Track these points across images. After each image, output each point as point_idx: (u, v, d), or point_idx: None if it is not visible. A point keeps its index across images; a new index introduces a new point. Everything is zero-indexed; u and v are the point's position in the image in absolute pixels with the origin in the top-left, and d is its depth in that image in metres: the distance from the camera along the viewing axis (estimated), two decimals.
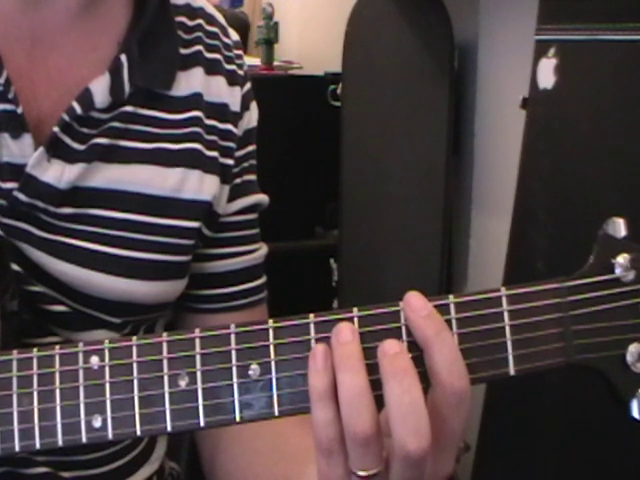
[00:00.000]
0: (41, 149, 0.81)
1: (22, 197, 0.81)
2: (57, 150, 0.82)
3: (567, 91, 1.63)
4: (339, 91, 2.62)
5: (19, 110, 0.80)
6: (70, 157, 0.83)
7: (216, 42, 0.95)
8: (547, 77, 1.64)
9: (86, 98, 0.83)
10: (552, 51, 1.63)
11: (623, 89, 1.53)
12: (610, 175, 1.54)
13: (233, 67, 0.96)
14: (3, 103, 0.81)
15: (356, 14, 2.53)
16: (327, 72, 2.80)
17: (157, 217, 0.87)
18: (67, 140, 0.83)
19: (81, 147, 0.83)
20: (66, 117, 0.82)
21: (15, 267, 0.81)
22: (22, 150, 0.81)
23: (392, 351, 0.62)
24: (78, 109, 0.82)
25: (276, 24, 2.98)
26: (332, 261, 2.64)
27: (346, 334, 0.63)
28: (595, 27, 1.55)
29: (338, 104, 2.61)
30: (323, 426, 0.62)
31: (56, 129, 0.82)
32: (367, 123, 2.49)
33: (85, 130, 0.84)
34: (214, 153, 0.92)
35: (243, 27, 3.25)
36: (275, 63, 3.01)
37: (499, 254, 1.76)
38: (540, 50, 1.66)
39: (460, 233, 2.34)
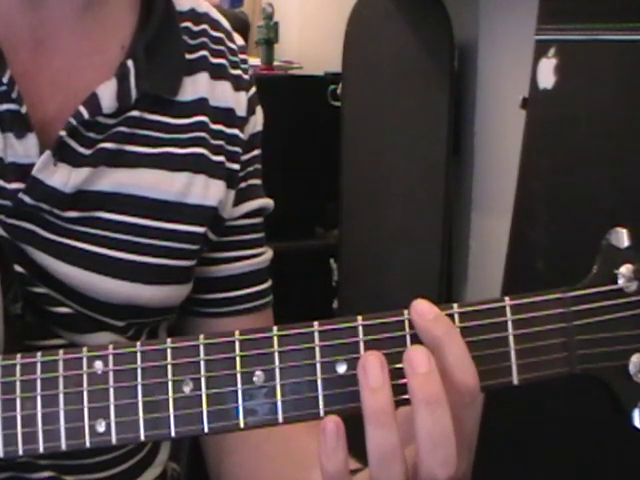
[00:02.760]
0: (47, 153, 0.81)
1: (27, 199, 0.81)
2: (63, 154, 0.82)
3: (567, 91, 1.63)
4: (339, 91, 2.62)
5: (23, 110, 0.80)
6: (76, 161, 0.83)
7: (221, 47, 0.95)
8: (547, 77, 1.65)
9: (93, 103, 0.83)
10: (552, 51, 1.64)
11: (623, 89, 1.54)
12: (610, 175, 1.55)
13: (238, 72, 0.96)
14: (7, 103, 0.81)
15: (356, 14, 2.53)
16: (327, 72, 2.81)
17: (163, 221, 0.87)
18: (73, 144, 0.83)
19: (87, 152, 0.83)
20: (73, 121, 0.82)
21: (19, 269, 0.81)
22: (27, 150, 0.81)
23: (422, 369, 0.60)
24: (85, 114, 0.82)
25: (276, 24, 2.98)
26: (332, 261, 2.64)
27: (376, 376, 0.61)
28: (595, 27, 1.55)
29: (338, 104, 2.62)
30: None
31: (63, 133, 0.81)
32: (367, 123, 2.50)
33: (91, 135, 0.84)
34: (220, 158, 0.92)
35: (243, 27, 3.24)
36: (275, 63, 3.01)
37: (499, 254, 1.77)
38: (540, 50, 1.67)
39: (460, 233, 2.34)
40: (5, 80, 0.80)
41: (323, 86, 2.72)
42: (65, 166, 0.82)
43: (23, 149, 0.81)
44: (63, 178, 0.82)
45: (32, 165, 0.81)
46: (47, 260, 0.83)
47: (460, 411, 0.61)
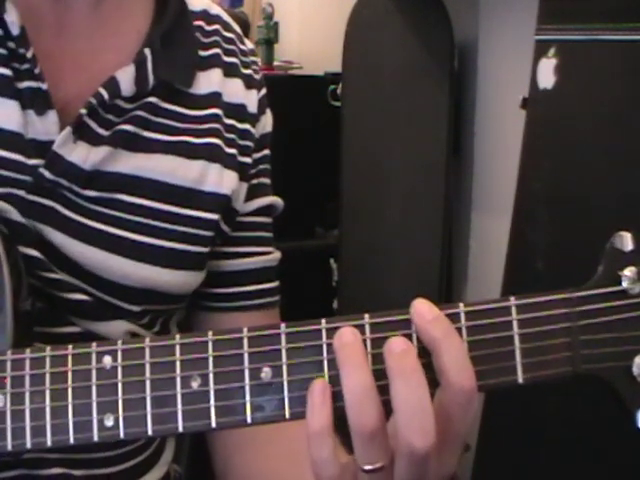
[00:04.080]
0: (68, 129, 0.82)
1: (47, 174, 0.82)
2: (82, 133, 0.84)
3: (567, 91, 1.64)
4: (339, 91, 2.62)
5: (44, 87, 0.82)
6: (95, 141, 0.84)
7: (233, 47, 0.98)
8: (547, 77, 1.65)
9: (112, 85, 0.85)
10: (552, 51, 1.64)
11: (623, 89, 1.54)
12: (610, 175, 1.55)
13: (249, 71, 0.99)
14: (29, 80, 0.82)
15: (356, 14, 2.53)
16: (327, 72, 2.81)
17: (178, 207, 0.89)
18: (93, 125, 0.84)
19: (106, 133, 0.85)
20: (93, 101, 0.84)
21: (34, 252, 0.82)
22: (47, 127, 0.82)
23: (399, 349, 0.62)
24: (105, 94, 0.84)
25: (276, 24, 2.99)
26: (332, 261, 2.64)
27: (348, 336, 0.63)
28: (595, 27, 1.56)
29: (338, 104, 2.62)
30: (321, 464, 0.63)
31: (83, 111, 0.83)
32: (367, 123, 2.50)
33: (110, 117, 0.86)
34: (233, 150, 0.94)
35: (243, 27, 3.24)
36: (275, 63, 3.01)
37: (499, 254, 1.77)
38: (540, 50, 1.67)
39: (460, 233, 2.34)
40: (29, 56, 0.82)
41: (323, 86, 2.72)
42: (84, 144, 0.84)
43: (43, 126, 0.82)
44: (82, 155, 0.83)
45: (52, 142, 0.82)
46: (65, 240, 0.84)
47: (454, 411, 0.63)
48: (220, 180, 0.92)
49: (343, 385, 0.62)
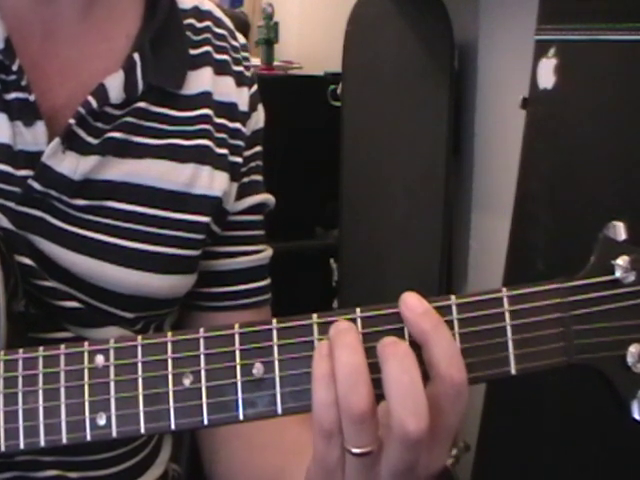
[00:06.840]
0: (57, 140, 0.82)
1: (37, 186, 0.82)
2: (71, 143, 0.84)
3: (567, 91, 1.63)
4: (339, 91, 2.62)
5: (32, 98, 0.82)
6: (84, 150, 0.84)
7: (224, 44, 0.98)
8: (547, 77, 1.65)
9: (101, 93, 0.85)
10: (552, 51, 1.64)
11: (623, 89, 1.54)
12: (610, 175, 1.55)
13: (241, 68, 0.99)
14: (16, 91, 0.82)
15: (356, 14, 2.53)
16: (327, 72, 2.80)
17: (169, 211, 0.89)
18: (82, 134, 0.84)
19: (95, 141, 0.85)
20: (82, 110, 0.84)
21: (27, 261, 0.82)
22: (35, 138, 0.82)
23: (391, 340, 0.63)
24: (94, 103, 0.84)
25: (276, 24, 2.98)
26: (332, 261, 2.64)
27: (344, 324, 0.64)
28: (595, 27, 1.55)
29: (338, 104, 2.62)
30: (324, 408, 0.63)
31: (72, 121, 0.83)
32: (367, 123, 2.50)
33: (99, 125, 0.86)
34: (224, 150, 0.94)
35: (243, 27, 3.24)
36: (275, 63, 3.01)
37: (499, 254, 1.76)
38: (540, 50, 1.67)
39: (460, 233, 2.34)
40: (15, 68, 0.82)
41: (323, 86, 2.72)
42: (73, 154, 0.83)
43: (32, 137, 0.82)
44: (72, 166, 0.83)
45: (41, 153, 0.82)
46: (56, 249, 0.84)
47: (445, 403, 0.63)
48: (211, 182, 0.92)
49: (335, 365, 0.62)
